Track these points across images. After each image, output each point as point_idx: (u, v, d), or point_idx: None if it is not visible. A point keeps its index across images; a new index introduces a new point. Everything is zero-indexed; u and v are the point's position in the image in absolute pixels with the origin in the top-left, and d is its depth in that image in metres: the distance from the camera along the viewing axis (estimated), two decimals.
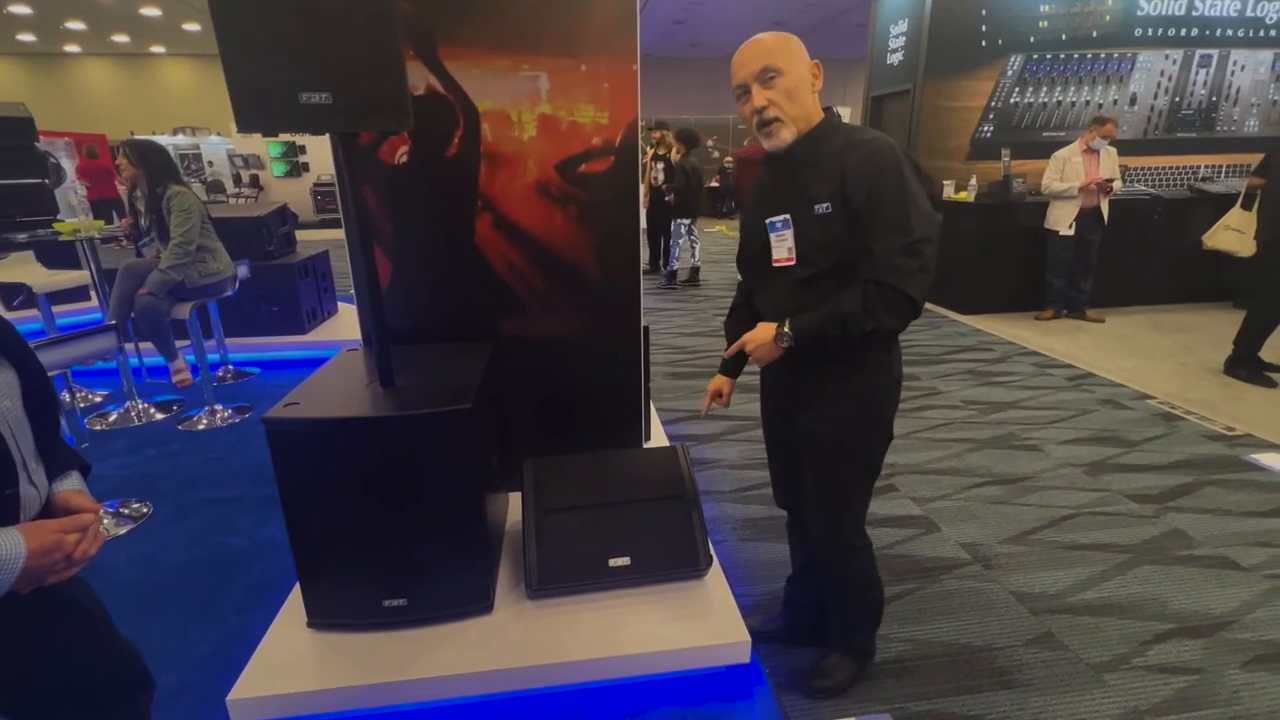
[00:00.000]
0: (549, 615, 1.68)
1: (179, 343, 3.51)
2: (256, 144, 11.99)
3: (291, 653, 1.58)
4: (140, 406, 3.49)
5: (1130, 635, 1.82)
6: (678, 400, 3.60)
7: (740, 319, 1.55)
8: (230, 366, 4.10)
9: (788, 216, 1.32)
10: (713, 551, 1.82)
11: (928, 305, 5.73)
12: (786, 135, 1.29)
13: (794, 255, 1.33)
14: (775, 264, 1.36)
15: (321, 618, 1.62)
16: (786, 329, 1.29)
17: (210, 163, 12.12)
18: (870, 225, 1.21)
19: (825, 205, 1.25)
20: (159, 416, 3.44)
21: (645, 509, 1.80)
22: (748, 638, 1.60)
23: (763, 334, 1.33)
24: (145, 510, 2.53)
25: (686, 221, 6.69)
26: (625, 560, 1.72)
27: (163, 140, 12.97)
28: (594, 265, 2.08)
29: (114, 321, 2.96)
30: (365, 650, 1.58)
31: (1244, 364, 3.82)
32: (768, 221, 1.35)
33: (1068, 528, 2.35)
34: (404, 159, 1.91)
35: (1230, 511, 2.44)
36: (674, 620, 1.65)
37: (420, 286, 2.04)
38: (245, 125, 1.23)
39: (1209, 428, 3.17)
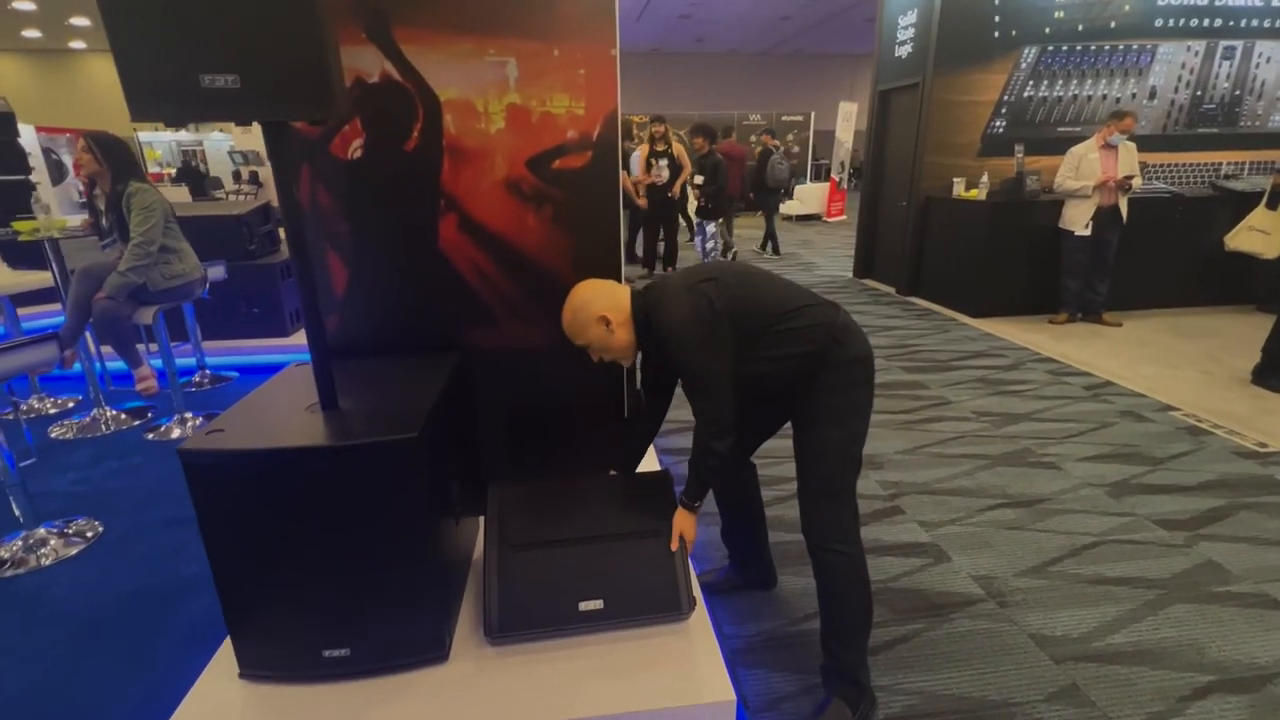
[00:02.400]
0: (511, 665, 1.50)
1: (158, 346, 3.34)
2: (255, 140, 11.82)
3: (220, 707, 1.40)
4: (109, 414, 3.34)
5: (1165, 689, 1.62)
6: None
7: (635, 434, 1.83)
8: (207, 371, 3.94)
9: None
10: (697, 591, 1.63)
11: (937, 308, 5.54)
12: (624, 361, 1.59)
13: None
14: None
15: (254, 668, 1.45)
16: (693, 504, 1.57)
17: (203, 159, 12.01)
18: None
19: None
20: (133, 423, 3.28)
21: (623, 545, 1.60)
22: (733, 696, 1.42)
23: (684, 521, 1.59)
24: (95, 531, 2.37)
25: (718, 222, 6.52)
26: (598, 604, 1.53)
27: (165, 137, 12.87)
28: (571, 271, 1.89)
29: (70, 327, 2.80)
30: (302, 706, 1.40)
31: (1274, 373, 3.60)
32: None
33: (1090, 558, 2.15)
34: (358, 154, 1.73)
35: (1268, 540, 2.23)
36: (651, 674, 1.46)
37: (380, 294, 1.86)
38: (140, 113, 1.05)
39: (1239, 443, 2.96)
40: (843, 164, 11.74)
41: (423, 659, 1.49)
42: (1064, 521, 2.36)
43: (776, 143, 8.30)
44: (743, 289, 1.45)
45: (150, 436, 3.15)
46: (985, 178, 5.33)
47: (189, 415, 3.26)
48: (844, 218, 12.01)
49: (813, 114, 14.79)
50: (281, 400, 1.52)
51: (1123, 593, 1.98)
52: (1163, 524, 2.33)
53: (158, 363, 3.30)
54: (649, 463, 2.39)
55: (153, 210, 2.82)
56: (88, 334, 3.15)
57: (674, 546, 1.57)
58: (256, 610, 1.39)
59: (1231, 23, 5.50)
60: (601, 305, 1.48)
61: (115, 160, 2.82)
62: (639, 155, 6.44)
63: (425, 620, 1.46)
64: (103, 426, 3.28)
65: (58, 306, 4.74)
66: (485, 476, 2.05)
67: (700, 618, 1.61)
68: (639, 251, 7.02)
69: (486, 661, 1.51)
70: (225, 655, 1.50)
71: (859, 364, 1.47)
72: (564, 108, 1.76)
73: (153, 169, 11.38)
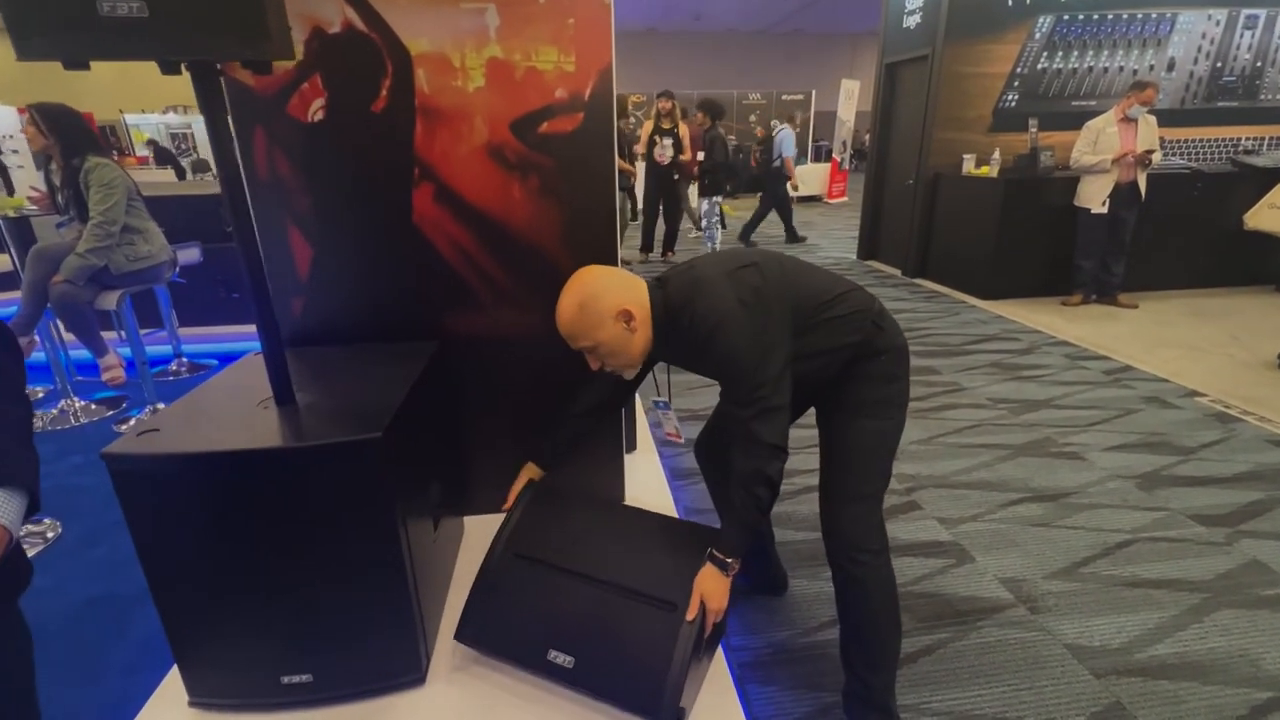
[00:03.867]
0: (498, 689, 1.34)
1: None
2: None
3: None
4: (77, 405, 3.16)
5: (1220, 708, 1.47)
6: (676, 399, 3.24)
7: (572, 431, 1.52)
8: (184, 360, 3.76)
9: (666, 400, 1.60)
10: (688, 704, 1.24)
11: (945, 290, 5.35)
12: (629, 371, 1.31)
13: (680, 434, 1.69)
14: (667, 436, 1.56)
15: (205, 696, 1.28)
16: (727, 560, 1.22)
17: (193, 144, 11.69)
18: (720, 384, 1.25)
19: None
20: (105, 414, 3.11)
21: (626, 605, 1.28)
22: None
23: (711, 583, 1.22)
24: (53, 532, 2.20)
25: (718, 200, 6.29)
26: (568, 660, 1.26)
27: (153, 119, 12.48)
28: (561, 249, 1.71)
29: (24, 314, 2.61)
30: None
31: None
32: (653, 401, 1.58)
33: (1125, 558, 1.99)
34: (319, 115, 1.54)
35: None
36: None
37: (348, 275, 1.67)
38: (26, 50, 0.86)
39: (1273, 431, 2.80)
40: (844, 144, 11.48)
41: (397, 683, 1.33)
42: (1093, 517, 2.20)
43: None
44: (785, 274, 1.25)
45: (120, 429, 2.98)
46: (997, 154, 5.12)
47: (161, 406, 3.08)
48: (846, 199, 11.77)
49: (814, 93, 14.46)
50: (232, 394, 1.34)
51: (1163, 596, 1.82)
52: (1199, 519, 2.18)
53: (126, 350, 3.10)
54: (645, 448, 2.23)
55: (113, 187, 2.62)
56: (54, 321, 2.96)
57: (690, 615, 1.20)
58: (204, 633, 1.23)
59: None
60: (621, 297, 1.21)
61: (65, 133, 2.60)
62: (644, 133, 6.19)
63: (398, 640, 1.30)
64: (71, 418, 3.11)
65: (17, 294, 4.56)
66: (473, 473, 1.90)
67: None
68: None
69: (470, 685, 1.35)
70: (174, 680, 1.34)
71: (900, 354, 1.32)
72: (552, 63, 1.56)
73: (141, 152, 11.06)
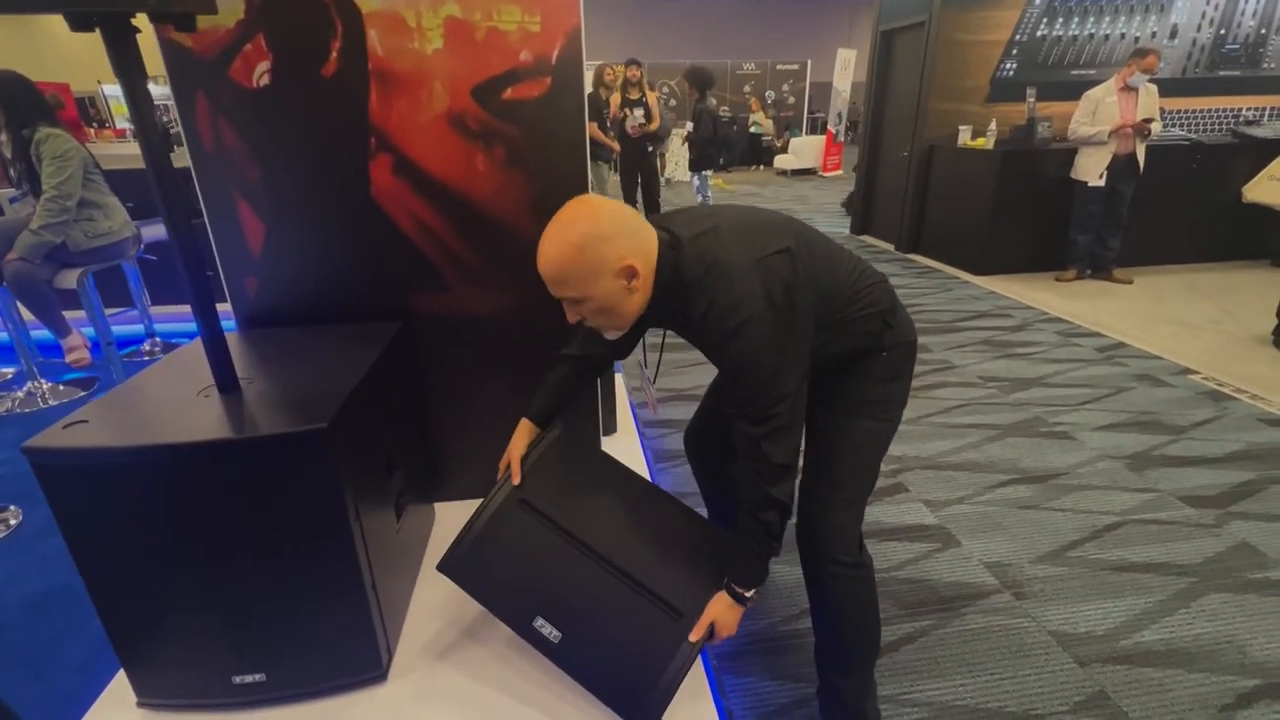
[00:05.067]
0: (461, 685, 1.28)
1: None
2: None
3: None
4: (45, 386, 3.07)
5: (1205, 695, 1.44)
6: (661, 378, 3.17)
7: (567, 376, 1.35)
8: (157, 340, 3.65)
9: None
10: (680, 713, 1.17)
11: (938, 265, 5.26)
12: (612, 335, 1.13)
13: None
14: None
15: (153, 697, 1.23)
16: (745, 593, 1.13)
17: (171, 109, 11.34)
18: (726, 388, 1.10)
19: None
20: (77, 395, 3.02)
21: (628, 595, 1.19)
22: None
23: (726, 614, 1.14)
24: (14, 520, 2.13)
25: (708, 174, 6.13)
26: (554, 633, 1.19)
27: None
28: (530, 223, 1.62)
29: None
30: None
31: None
32: (640, 362, 1.31)
33: (1113, 541, 1.95)
34: (265, 80, 1.43)
35: None
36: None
37: (304, 252, 1.58)
38: None
39: (1265, 409, 2.75)
40: (840, 115, 11.25)
41: (356, 681, 1.28)
42: (1082, 499, 2.16)
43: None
44: (814, 264, 1.08)
45: None
46: (993, 125, 4.99)
47: None
48: (840, 172, 11.59)
49: (809, 62, 14.15)
50: (171, 382, 1.26)
51: (1150, 581, 1.79)
52: (1189, 501, 2.14)
53: (90, 330, 3.00)
54: (625, 431, 2.16)
55: (67, 159, 2.49)
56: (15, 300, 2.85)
57: (694, 637, 1.13)
58: (147, 633, 1.17)
59: None
60: (628, 247, 1.00)
61: (13, 102, 2.46)
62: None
63: (355, 638, 1.24)
64: (40, 400, 3.02)
65: None
66: (440, 463, 1.83)
67: None
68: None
69: (433, 684, 1.30)
70: (124, 679, 1.28)
71: (907, 350, 1.22)
72: (514, 22, 1.45)
73: (122, 125, 10.73)
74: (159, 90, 11.09)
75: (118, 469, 1.03)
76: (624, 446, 2.12)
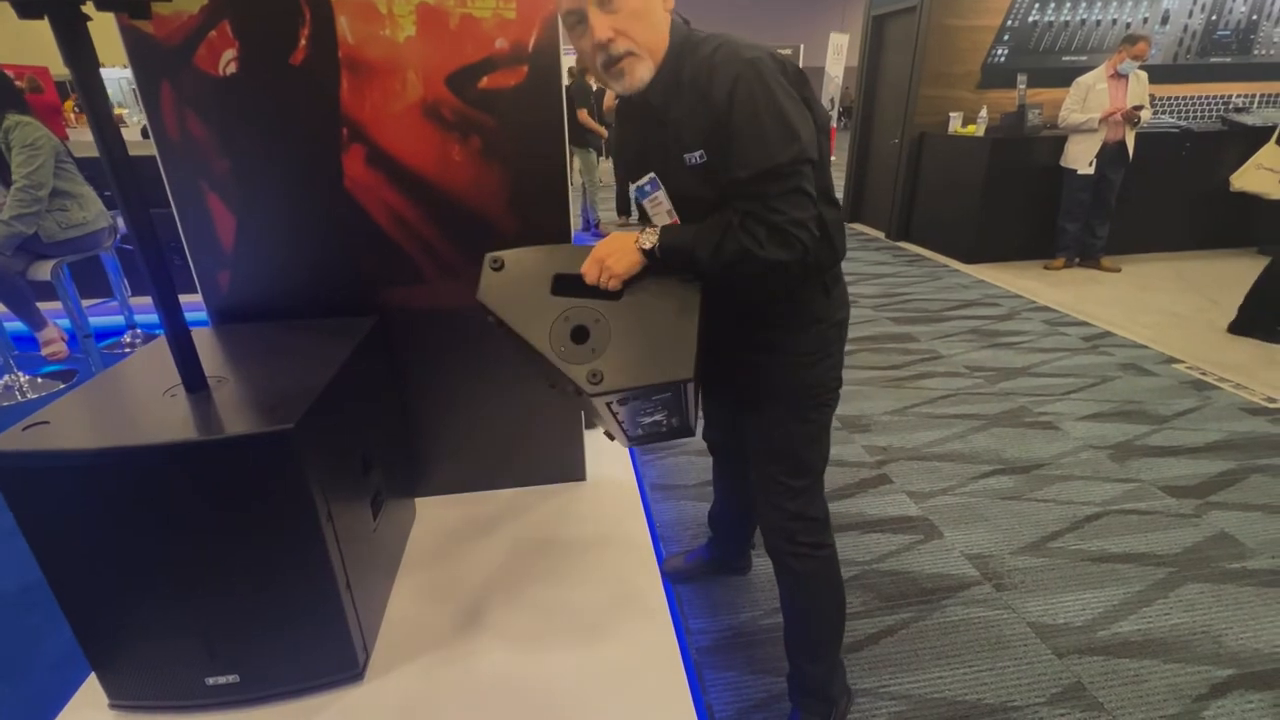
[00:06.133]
0: (437, 683, 1.28)
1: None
2: None
3: None
4: (23, 380, 3.02)
5: (1180, 686, 1.45)
6: None
7: None
8: (138, 331, 3.60)
9: (653, 176, 1.08)
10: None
11: (928, 254, 5.26)
12: (643, 73, 0.98)
13: (675, 218, 1.09)
14: None
15: (126, 699, 1.22)
16: (651, 234, 1.04)
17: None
18: (733, 151, 0.94)
19: (698, 154, 0.99)
20: (57, 387, 2.97)
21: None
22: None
23: (617, 240, 1.06)
24: None
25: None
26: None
27: (114, 74, 11.82)
28: (507, 215, 1.59)
29: None
30: None
31: (1254, 325, 3.41)
32: (634, 187, 1.12)
33: (1094, 531, 1.96)
34: (231, 68, 1.39)
35: None
36: (600, 696, 1.25)
37: (277, 245, 1.55)
38: None
39: (1246, 398, 2.77)
40: (832, 101, 11.16)
41: (332, 681, 1.27)
42: (1064, 490, 2.17)
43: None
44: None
45: None
46: (984, 112, 4.97)
47: None
48: (834, 158, 11.53)
49: (802, 47, 14.01)
50: (137, 381, 1.23)
51: (1130, 571, 1.80)
52: (1170, 491, 2.15)
53: (66, 322, 2.95)
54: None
55: (38, 148, 2.43)
56: None
57: (586, 273, 1.05)
58: (117, 636, 1.15)
59: None
60: None
61: None
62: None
63: (330, 638, 1.23)
64: (18, 394, 2.97)
65: None
66: (420, 458, 1.82)
67: (662, 627, 1.39)
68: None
69: (411, 682, 1.29)
70: (96, 680, 1.27)
71: (839, 329, 1.17)
72: (489, 9, 1.41)
73: None
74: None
75: (79, 472, 1.01)
76: (605, 439, 2.11)
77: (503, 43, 1.44)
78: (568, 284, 1.08)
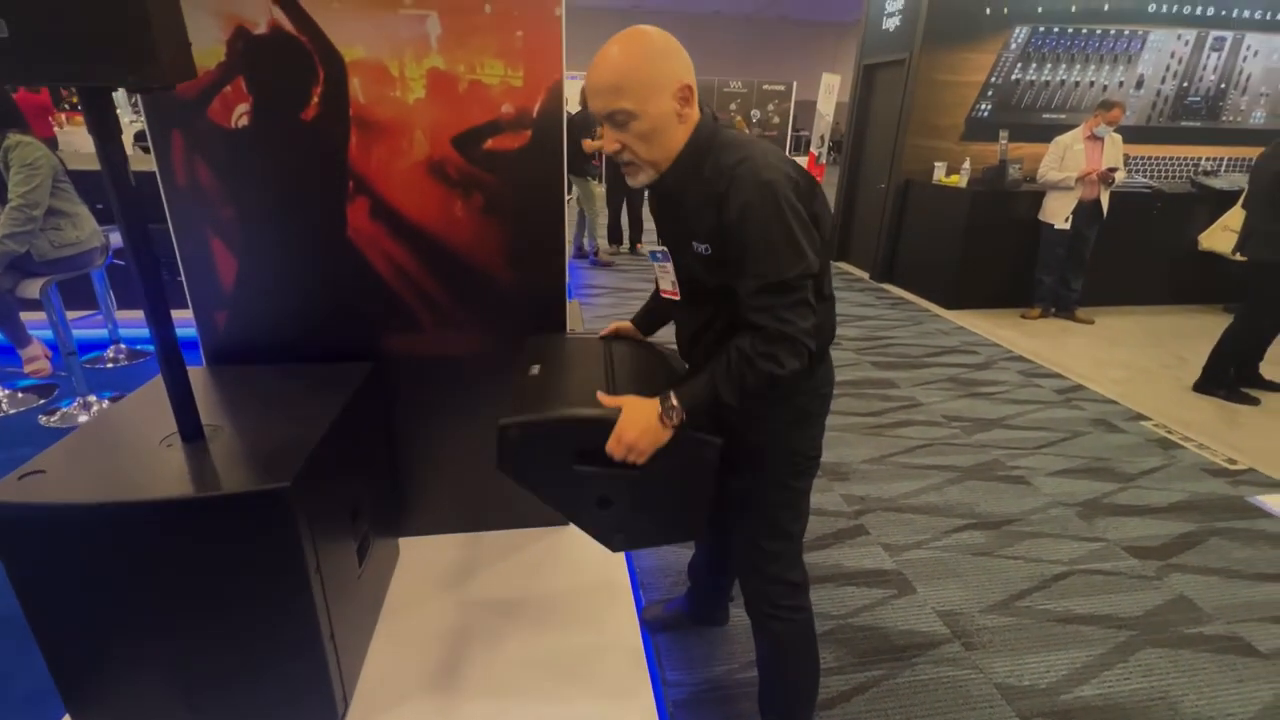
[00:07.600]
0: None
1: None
2: None
3: None
4: (2, 394, 2.98)
5: None
6: None
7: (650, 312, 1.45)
8: (122, 346, 3.57)
9: (665, 250, 1.19)
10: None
11: (910, 297, 5.39)
12: (642, 179, 1.11)
13: (677, 290, 1.20)
14: (662, 295, 1.26)
15: None
16: (674, 402, 1.05)
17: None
18: (746, 263, 1.01)
19: (705, 246, 1.07)
20: (37, 402, 2.94)
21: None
22: None
23: (642, 416, 1.05)
24: None
25: None
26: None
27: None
28: (507, 270, 1.64)
29: None
30: None
31: (1215, 383, 3.55)
32: (648, 250, 1.25)
33: (1060, 591, 2.03)
34: (244, 121, 1.43)
35: (1239, 573, 2.14)
36: None
37: (277, 289, 1.58)
38: None
39: (1208, 459, 2.88)
40: (822, 137, 11.44)
41: None
42: (1033, 547, 2.23)
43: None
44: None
45: (45, 421, 2.82)
46: (967, 163, 5.14)
47: (93, 398, 2.92)
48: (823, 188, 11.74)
49: (795, 84, 14.38)
50: (133, 427, 1.25)
51: (1093, 633, 1.86)
52: (1133, 551, 2.23)
53: (49, 334, 2.92)
54: None
55: (37, 168, 2.44)
56: None
57: (612, 448, 1.06)
58: (97, 686, 1.16)
59: (1224, 12, 5.32)
60: (685, 72, 1.02)
61: None
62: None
63: (311, 690, 1.24)
64: None
65: None
66: (407, 500, 1.84)
67: (640, 680, 1.42)
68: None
69: None
70: None
71: (823, 402, 1.21)
72: (498, 77, 1.48)
73: None
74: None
75: (74, 525, 1.03)
76: None
77: (509, 108, 1.51)
78: (590, 454, 1.10)
